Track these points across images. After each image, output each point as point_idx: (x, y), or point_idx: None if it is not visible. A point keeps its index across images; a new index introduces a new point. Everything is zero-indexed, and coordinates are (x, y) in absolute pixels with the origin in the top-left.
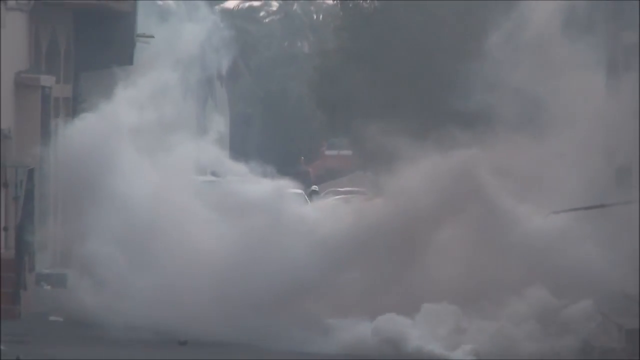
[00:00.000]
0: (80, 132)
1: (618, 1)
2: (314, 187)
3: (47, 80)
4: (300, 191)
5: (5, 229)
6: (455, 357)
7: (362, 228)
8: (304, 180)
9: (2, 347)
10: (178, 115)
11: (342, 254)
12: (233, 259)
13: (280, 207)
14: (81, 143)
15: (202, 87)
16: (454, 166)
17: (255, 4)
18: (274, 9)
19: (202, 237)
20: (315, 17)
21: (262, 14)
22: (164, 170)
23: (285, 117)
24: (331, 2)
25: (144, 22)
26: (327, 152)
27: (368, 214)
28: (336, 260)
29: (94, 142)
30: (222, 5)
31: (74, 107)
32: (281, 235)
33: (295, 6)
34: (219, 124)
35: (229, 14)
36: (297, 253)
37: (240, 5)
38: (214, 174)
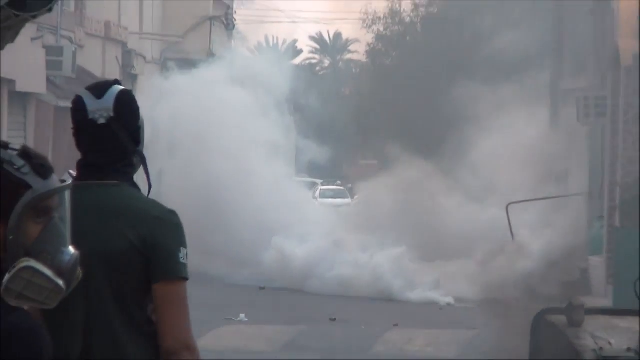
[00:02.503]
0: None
1: (558, 55)
2: (349, 185)
3: None
4: (342, 187)
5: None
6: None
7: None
8: (345, 180)
9: None
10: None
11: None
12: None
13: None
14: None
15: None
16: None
17: (314, 61)
18: (326, 65)
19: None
20: (353, 70)
21: (317, 68)
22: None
23: (332, 138)
24: (365, 60)
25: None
26: (361, 162)
27: None
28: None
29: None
30: (291, 62)
31: None
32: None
33: (340, 63)
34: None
35: (295, 67)
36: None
37: (303, 62)
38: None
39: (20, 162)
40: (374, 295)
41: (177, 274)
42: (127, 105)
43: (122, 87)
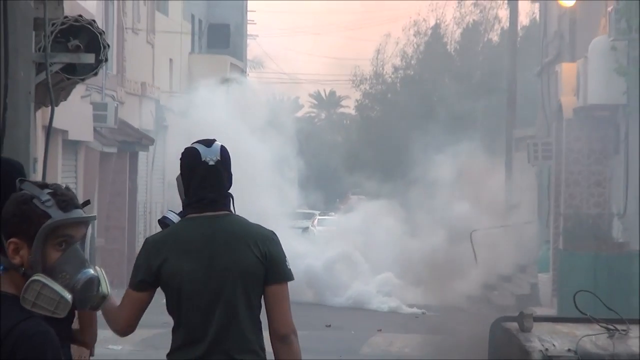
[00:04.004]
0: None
1: (512, 109)
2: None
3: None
4: (335, 217)
5: None
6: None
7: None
8: (338, 212)
9: None
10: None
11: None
12: None
13: None
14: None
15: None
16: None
17: (312, 114)
18: (322, 117)
19: None
20: (345, 121)
21: (315, 120)
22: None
23: (327, 177)
24: (354, 113)
25: None
26: (351, 196)
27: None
28: None
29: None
30: (294, 115)
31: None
32: None
33: (334, 116)
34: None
35: (296, 119)
36: None
37: (304, 115)
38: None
39: (45, 197)
40: (310, 300)
41: (288, 277)
42: (227, 154)
43: (221, 143)
